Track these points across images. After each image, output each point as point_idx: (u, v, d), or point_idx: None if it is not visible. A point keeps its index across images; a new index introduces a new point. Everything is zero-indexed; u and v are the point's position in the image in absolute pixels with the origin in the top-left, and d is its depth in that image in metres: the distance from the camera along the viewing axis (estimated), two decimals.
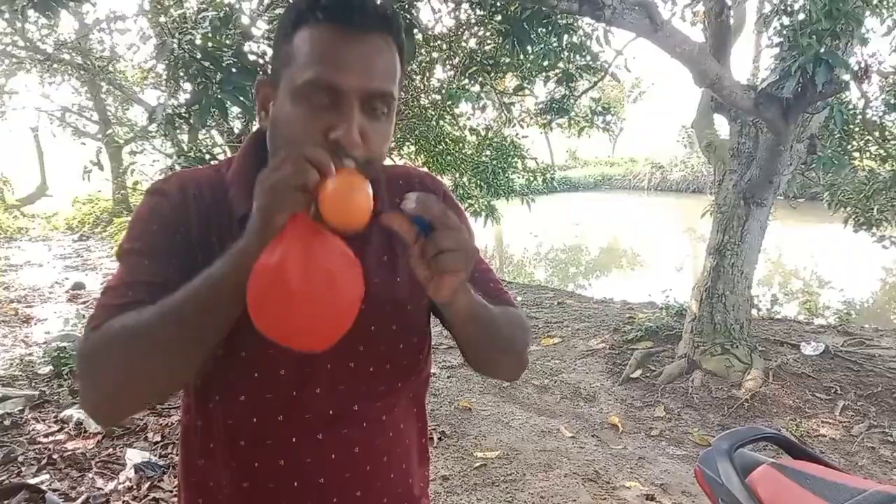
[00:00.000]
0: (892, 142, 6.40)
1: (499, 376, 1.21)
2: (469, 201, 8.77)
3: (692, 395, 4.52)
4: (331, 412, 1.02)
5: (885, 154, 6.30)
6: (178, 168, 4.46)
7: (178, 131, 5.47)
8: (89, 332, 0.90)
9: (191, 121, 4.16)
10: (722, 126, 5.85)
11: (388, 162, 1.08)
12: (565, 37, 5.66)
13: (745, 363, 4.71)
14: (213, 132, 7.01)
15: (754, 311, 5.50)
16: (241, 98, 3.91)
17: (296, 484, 1.02)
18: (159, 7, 6.13)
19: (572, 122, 7.54)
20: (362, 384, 1.04)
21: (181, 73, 4.02)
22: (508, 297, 1.17)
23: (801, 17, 3.92)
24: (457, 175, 8.22)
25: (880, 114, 6.20)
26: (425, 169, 1.15)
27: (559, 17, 5.02)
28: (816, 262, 9.50)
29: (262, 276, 0.77)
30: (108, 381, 0.89)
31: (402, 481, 1.11)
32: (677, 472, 3.62)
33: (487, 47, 6.53)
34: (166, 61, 4.11)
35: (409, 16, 4.17)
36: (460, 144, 8.25)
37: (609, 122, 8.09)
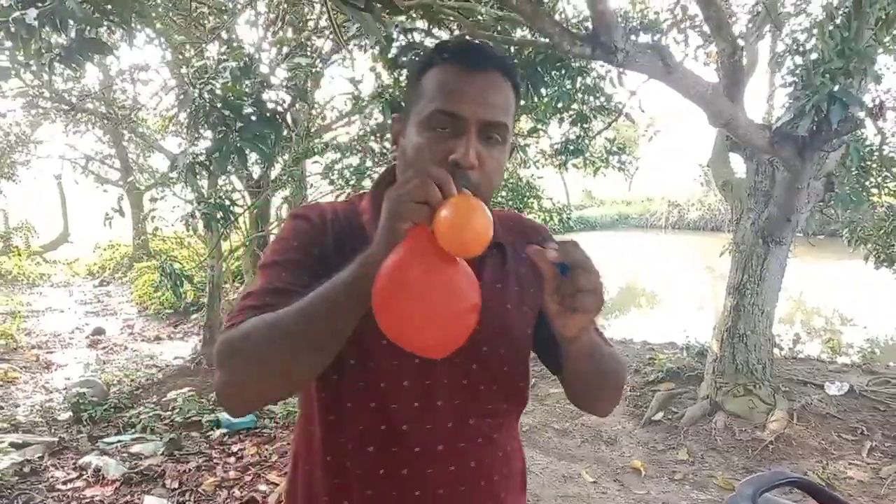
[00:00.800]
0: None
1: (597, 411, 1.27)
2: None
3: (715, 437, 4.44)
4: (450, 424, 1.09)
5: None
6: (198, 215, 4.53)
7: (198, 178, 5.57)
8: (227, 330, 1.00)
9: (211, 168, 4.23)
10: (738, 165, 5.86)
11: None
12: (579, 79, 5.72)
13: (769, 404, 4.63)
14: (233, 178, 7.12)
15: (776, 351, 5.42)
16: (260, 146, 3.98)
17: (417, 493, 1.08)
18: (181, 58, 6.29)
19: (587, 162, 7.57)
20: (475, 400, 1.12)
21: (202, 122, 4.10)
22: (603, 335, 1.25)
23: (814, 56, 3.94)
24: None
25: None
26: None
27: (573, 60, 5.08)
28: (838, 299, 9.37)
29: (385, 278, 0.83)
30: (241, 369, 0.97)
31: (509, 501, 1.17)
32: None
33: None
34: (188, 110, 4.20)
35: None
36: None
37: (624, 161, 8.11)
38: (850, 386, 4.89)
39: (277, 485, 3.88)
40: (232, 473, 4.06)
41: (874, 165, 6.08)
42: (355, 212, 1.17)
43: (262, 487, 3.88)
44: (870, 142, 5.85)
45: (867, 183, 6.19)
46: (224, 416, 4.79)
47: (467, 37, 1.11)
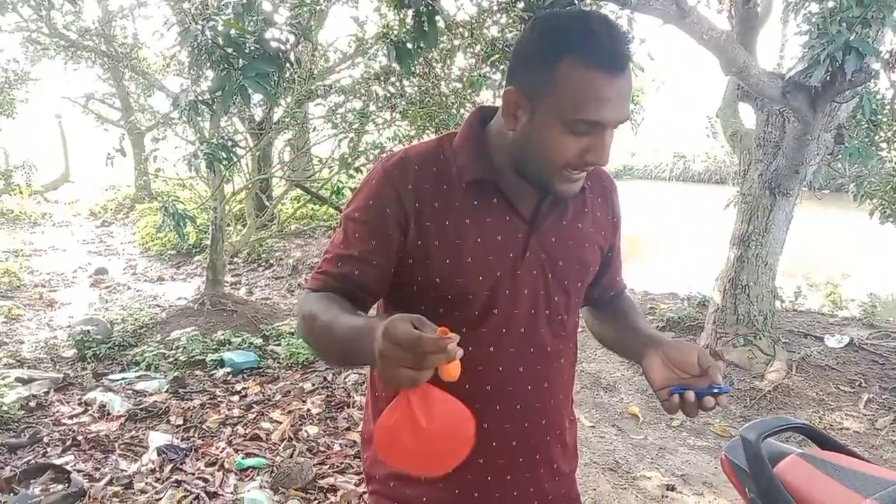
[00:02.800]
0: None
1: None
2: None
3: None
4: (531, 350, 1.25)
5: None
6: (200, 154, 4.49)
7: (200, 119, 5.50)
8: (306, 292, 1.23)
9: (213, 107, 4.17)
10: (747, 116, 5.78)
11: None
12: None
13: (769, 355, 4.66)
14: (235, 120, 7.04)
15: (778, 303, 5.43)
16: (263, 85, 3.91)
17: (498, 407, 1.23)
18: None
19: None
20: (555, 328, 1.27)
21: (204, 60, 4.02)
22: (624, 284, 1.52)
23: (831, 4, 3.84)
24: None
25: None
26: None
27: (583, 3, 4.96)
28: (841, 253, 9.37)
29: (386, 433, 0.97)
30: (306, 339, 1.20)
31: (564, 415, 1.37)
32: (698, 462, 3.60)
33: (510, 35, 6.48)
34: (189, 48, 4.13)
35: (431, 2, 4.14)
36: None
37: (632, 111, 8.01)
38: (849, 339, 4.92)
39: (281, 423, 3.94)
40: (236, 411, 4.12)
41: (885, 119, 6.00)
42: (442, 153, 1.23)
43: (266, 425, 3.93)
44: (881, 95, 5.76)
45: (876, 137, 6.11)
46: (228, 355, 4.84)
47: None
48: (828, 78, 3.79)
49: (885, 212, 6.50)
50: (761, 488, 1.44)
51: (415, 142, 7.92)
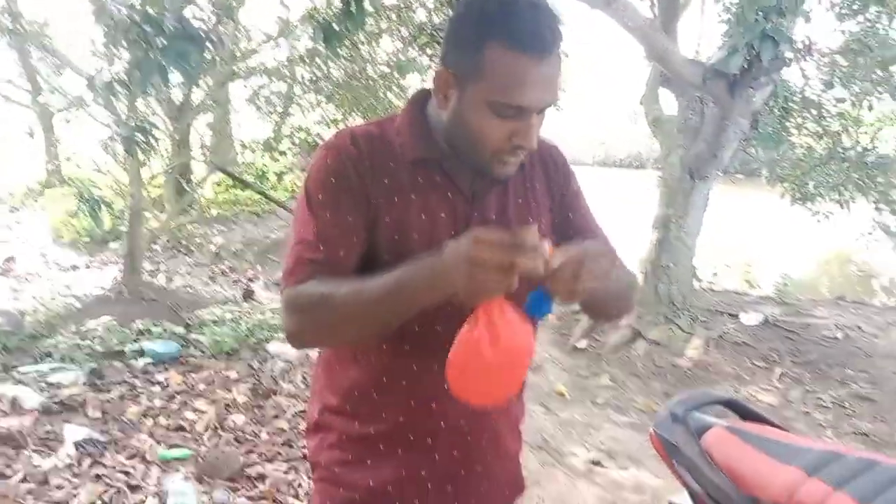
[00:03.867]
0: (829, 119, 6.60)
1: (610, 321, 1.52)
2: None
3: (636, 364, 4.62)
4: None
5: (821, 131, 6.50)
6: (118, 137, 4.30)
7: (115, 100, 5.27)
8: (291, 288, 1.14)
9: (131, 88, 3.99)
10: (668, 102, 5.94)
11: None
12: None
13: (688, 333, 4.83)
14: (152, 101, 6.77)
15: (696, 283, 5.63)
16: (183, 64, 3.77)
17: (446, 387, 1.13)
18: None
19: None
20: None
21: (120, 39, 3.85)
22: (605, 235, 1.42)
23: None
24: None
25: (818, 92, 6.38)
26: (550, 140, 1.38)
27: None
28: (755, 235, 9.78)
29: (463, 349, 0.97)
30: (309, 333, 1.15)
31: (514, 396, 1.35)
32: (622, 438, 3.70)
33: (437, 19, 6.46)
34: (105, 26, 3.95)
35: None
36: None
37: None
38: (763, 316, 5.14)
39: (205, 412, 3.83)
40: (157, 402, 3.98)
41: (795, 106, 6.28)
42: (384, 134, 1.22)
43: (190, 415, 3.82)
44: (792, 84, 6.03)
45: (788, 123, 6.39)
46: (148, 345, 4.67)
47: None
48: (745, 65, 3.93)
49: (795, 194, 6.82)
50: (689, 461, 1.48)
51: (341, 126, 7.82)
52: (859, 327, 5.17)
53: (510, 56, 1.04)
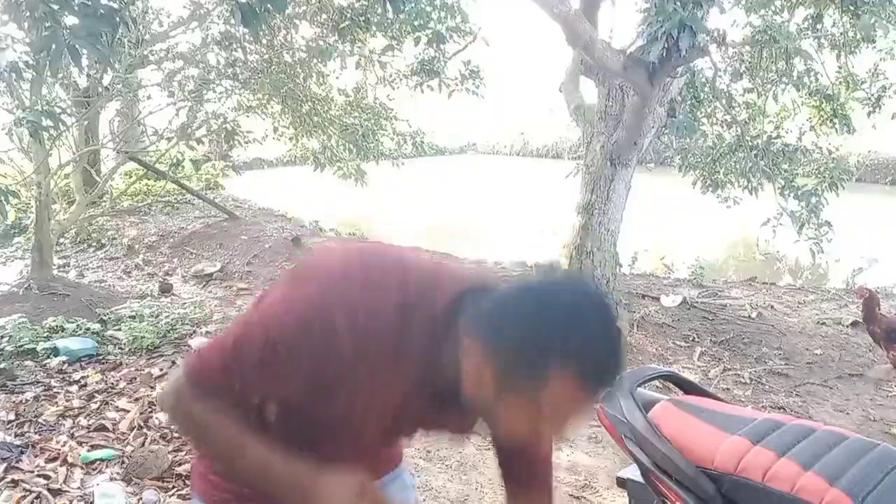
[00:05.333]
0: (737, 108, 6.89)
1: None
2: (338, 164, 8.61)
3: None
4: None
5: (730, 120, 6.77)
6: (23, 123, 4.05)
7: (19, 83, 4.96)
8: (192, 391, 1.12)
9: (38, 70, 3.77)
10: (587, 91, 6.06)
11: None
12: None
13: None
14: (57, 87, 6.42)
15: (618, 268, 5.78)
16: (96, 45, 3.58)
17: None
18: None
19: (442, 84, 7.53)
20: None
21: (23, 17, 3.63)
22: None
23: None
24: (324, 137, 8.04)
25: (727, 82, 6.65)
26: None
27: None
28: (668, 222, 10.13)
29: None
30: (181, 431, 1.32)
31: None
32: None
33: (358, 4, 6.37)
34: (4, 3, 3.71)
35: None
36: (328, 105, 8.05)
37: (478, 85, 8.15)
38: (682, 298, 5.33)
39: (128, 411, 3.68)
40: (76, 402, 3.80)
41: (706, 96, 6.51)
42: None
43: (112, 414, 3.66)
44: (703, 74, 6.25)
45: (699, 112, 6.63)
46: (62, 343, 4.45)
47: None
48: (664, 54, 4.04)
49: (706, 182, 7.08)
50: (638, 435, 1.52)
51: (260, 112, 7.63)
52: (772, 307, 5.43)
53: (580, 388, 0.99)
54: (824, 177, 6.82)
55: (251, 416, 1.14)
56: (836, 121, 6.89)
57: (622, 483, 1.69)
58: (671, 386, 1.81)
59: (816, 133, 7.16)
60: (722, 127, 7.23)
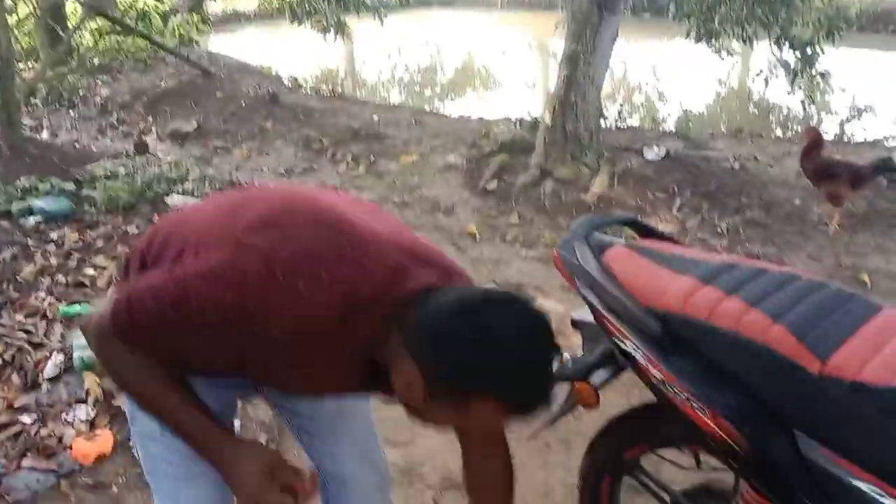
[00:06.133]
0: None
1: None
2: (316, 16, 8.22)
3: (544, 201, 4.70)
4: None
5: None
6: None
7: None
8: (110, 328, 1.09)
9: None
10: None
11: None
12: None
13: (594, 169, 4.90)
14: None
15: (602, 122, 5.65)
16: None
17: None
18: None
19: None
20: None
21: None
22: None
23: None
24: None
25: None
26: None
27: None
28: (660, 75, 9.85)
29: None
30: (115, 380, 1.30)
31: None
32: (531, 271, 3.82)
33: None
34: None
35: None
36: None
37: None
38: (666, 151, 5.24)
39: (106, 268, 3.70)
40: (53, 260, 3.81)
41: None
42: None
43: (90, 271, 3.69)
44: None
45: None
46: (37, 203, 4.41)
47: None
48: None
49: (700, 31, 6.80)
50: (590, 277, 1.50)
51: None
52: (755, 158, 5.36)
53: (500, 411, 1.03)
54: (822, 25, 6.54)
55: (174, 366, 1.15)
56: None
57: (575, 324, 1.70)
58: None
59: None
60: None
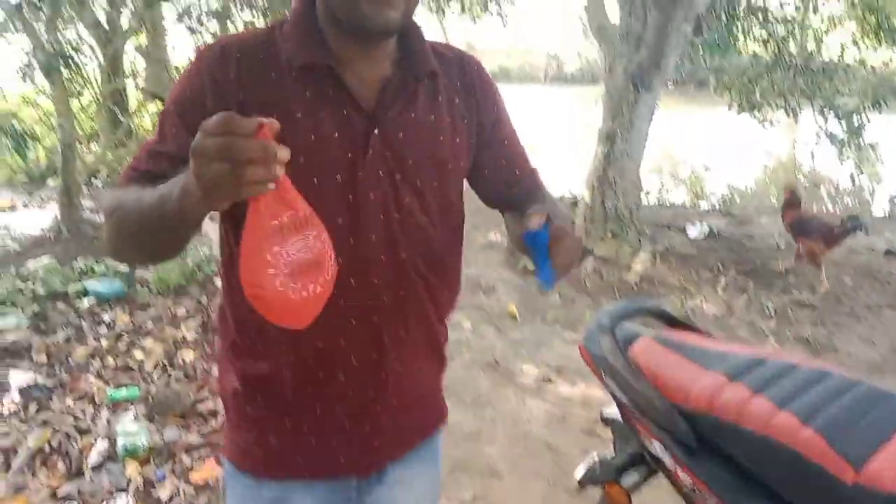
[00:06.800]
0: (774, 24, 6.56)
1: None
2: None
3: (585, 280, 4.66)
4: (383, 258, 1.11)
5: (767, 37, 6.46)
6: (34, 63, 4.06)
7: (34, 23, 4.95)
8: (114, 187, 1.08)
9: (43, 9, 3.74)
10: (612, 11, 5.81)
11: None
12: None
13: (635, 247, 4.87)
14: (79, 26, 6.41)
15: (643, 198, 5.65)
16: None
17: (365, 340, 1.13)
18: None
19: (464, 6, 7.34)
20: (412, 237, 1.13)
21: None
22: (537, 175, 1.34)
23: None
24: None
25: None
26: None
27: None
28: (702, 147, 9.82)
29: (246, 257, 0.86)
30: (111, 241, 1.06)
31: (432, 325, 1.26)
32: (572, 355, 3.75)
33: None
34: None
35: None
36: None
37: (501, 5, 7.92)
38: (709, 228, 5.19)
39: (153, 351, 3.78)
40: (104, 343, 3.91)
41: (741, 12, 6.21)
42: (272, 40, 1.09)
43: (138, 354, 3.77)
44: None
45: (734, 29, 6.34)
46: (91, 284, 4.56)
47: None
48: None
49: (742, 103, 6.82)
50: (615, 371, 1.48)
51: None
52: None
53: None
54: (867, 95, 6.49)
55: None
56: (881, 33, 6.54)
57: (606, 421, 1.66)
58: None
59: (860, 47, 6.80)
60: (758, 44, 6.92)
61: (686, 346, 1.52)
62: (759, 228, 5.44)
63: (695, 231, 5.18)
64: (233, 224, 1.11)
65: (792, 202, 4.59)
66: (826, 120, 6.78)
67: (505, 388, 3.41)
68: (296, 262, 0.86)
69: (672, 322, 1.69)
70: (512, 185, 1.29)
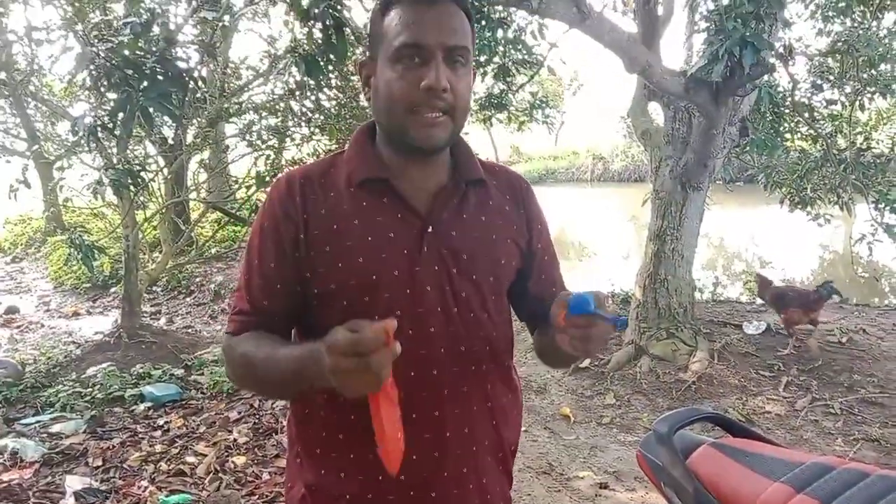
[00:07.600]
0: (821, 122, 6.58)
1: (562, 367, 1.41)
2: None
3: (640, 381, 4.55)
4: (442, 350, 1.17)
5: (815, 134, 6.47)
6: (105, 181, 4.30)
7: (106, 143, 5.28)
8: (227, 337, 1.23)
9: (115, 132, 4.00)
10: (656, 114, 5.93)
11: None
12: (500, 31, 5.65)
13: (691, 346, 4.76)
14: (147, 143, 6.80)
15: (698, 295, 5.57)
16: (166, 105, 3.79)
17: (413, 416, 1.15)
18: (78, 16, 5.92)
19: (512, 116, 7.55)
20: (469, 327, 1.20)
21: (103, 83, 3.88)
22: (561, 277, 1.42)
23: (726, 1, 3.98)
24: None
25: (808, 95, 6.37)
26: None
27: (492, 11, 5.01)
28: (756, 243, 9.71)
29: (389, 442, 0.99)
30: (238, 383, 1.29)
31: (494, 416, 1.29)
32: (629, 458, 3.62)
33: None
34: (87, 71, 3.97)
35: (337, 15, 4.09)
36: None
37: (548, 115, 8.13)
38: (767, 325, 5.07)
39: (206, 455, 3.79)
40: (158, 447, 3.95)
41: (787, 111, 6.25)
42: (334, 165, 1.22)
43: (191, 459, 3.78)
44: (782, 87, 6.01)
45: (781, 128, 6.37)
46: (148, 389, 4.65)
47: None
48: (728, 73, 3.91)
49: (793, 199, 6.77)
50: (675, 481, 1.44)
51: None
52: (864, 330, 5.09)
53: (400, 8, 1.11)
54: None
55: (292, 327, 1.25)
56: None
57: None
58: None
59: None
60: (806, 141, 6.93)
61: (748, 453, 1.46)
62: (819, 324, 5.27)
63: (752, 328, 5.06)
64: (302, 330, 1.25)
65: (764, 282, 5.03)
66: (882, 214, 6.66)
67: (560, 493, 3.30)
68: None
69: (733, 429, 1.64)
70: (544, 297, 1.32)
